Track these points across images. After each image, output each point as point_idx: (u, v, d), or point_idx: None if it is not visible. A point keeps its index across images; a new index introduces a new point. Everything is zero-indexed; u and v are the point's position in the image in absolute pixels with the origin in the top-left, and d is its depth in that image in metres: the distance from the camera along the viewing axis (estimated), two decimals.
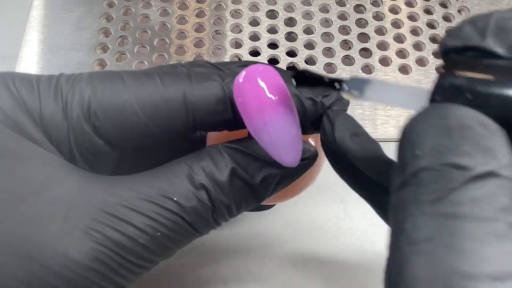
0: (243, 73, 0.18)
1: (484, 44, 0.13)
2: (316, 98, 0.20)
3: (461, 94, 0.13)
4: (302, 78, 0.18)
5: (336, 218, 0.30)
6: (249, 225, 0.29)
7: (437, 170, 0.12)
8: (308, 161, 0.21)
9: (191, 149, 0.21)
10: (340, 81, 0.16)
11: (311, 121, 0.20)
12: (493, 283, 0.10)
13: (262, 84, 0.18)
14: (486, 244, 0.11)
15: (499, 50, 0.13)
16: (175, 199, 0.19)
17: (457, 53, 0.14)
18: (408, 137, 0.13)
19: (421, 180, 0.12)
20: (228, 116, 0.20)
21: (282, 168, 0.20)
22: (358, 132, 0.19)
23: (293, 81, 0.18)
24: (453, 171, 0.12)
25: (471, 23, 0.14)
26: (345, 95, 0.17)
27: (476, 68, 0.13)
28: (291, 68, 0.36)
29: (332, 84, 0.17)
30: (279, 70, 0.20)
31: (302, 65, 0.35)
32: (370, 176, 0.18)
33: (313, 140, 0.22)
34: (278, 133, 0.18)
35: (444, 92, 0.13)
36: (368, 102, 0.16)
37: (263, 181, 0.20)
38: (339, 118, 0.19)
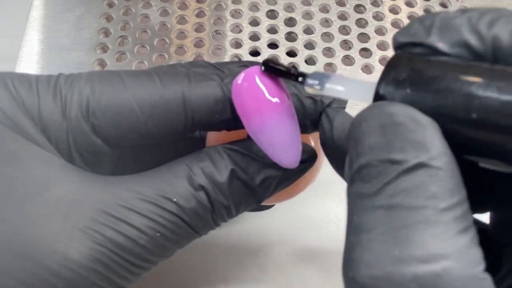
0: (242, 74, 0.18)
1: (429, 40, 0.14)
2: (316, 97, 0.20)
3: (402, 88, 0.14)
4: (270, 67, 0.18)
5: (336, 218, 0.30)
6: (249, 224, 0.29)
7: (375, 166, 0.13)
8: (307, 162, 0.21)
9: (191, 149, 0.21)
10: (303, 75, 0.17)
11: (311, 120, 0.20)
12: (420, 265, 0.12)
13: (260, 85, 0.18)
14: (416, 230, 0.12)
15: (442, 46, 0.14)
16: (174, 200, 0.19)
17: (408, 49, 0.15)
18: (352, 135, 0.14)
19: (363, 176, 0.13)
20: (227, 116, 0.20)
21: (282, 170, 0.20)
22: None
23: (262, 67, 0.18)
24: (388, 166, 0.13)
25: (420, 21, 0.15)
26: (306, 88, 0.17)
27: (418, 64, 0.14)
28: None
29: (296, 77, 0.17)
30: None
31: (302, 65, 0.35)
32: None
33: (313, 140, 0.22)
34: (277, 134, 0.18)
35: (388, 86, 0.14)
36: (327, 94, 0.17)
37: (262, 182, 0.20)
38: (338, 117, 0.19)
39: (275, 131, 0.18)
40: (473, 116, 0.12)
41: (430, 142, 0.13)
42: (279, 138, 0.19)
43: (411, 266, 0.12)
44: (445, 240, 0.12)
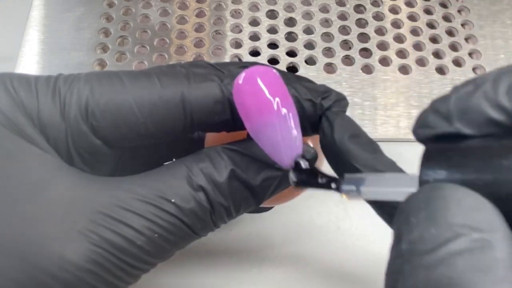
0: (243, 74, 0.18)
1: (453, 129, 0.13)
2: (315, 100, 0.20)
3: (447, 178, 0.13)
4: (303, 178, 0.18)
5: (336, 218, 0.30)
6: (249, 225, 0.29)
7: (432, 234, 0.12)
8: (308, 163, 0.21)
9: (189, 149, 0.21)
10: (337, 183, 0.17)
11: (310, 122, 0.20)
12: None
13: (262, 85, 0.18)
14: None
15: (469, 131, 0.13)
16: (173, 200, 0.19)
17: (431, 141, 0.14)
18: (404, 210, 0.13)
19: (416, 245, 0.12)
20: (227, 117, 0.20)
21: (282, 170, 0.20)
22: (357, 133, 0.19)
23: (294, 181, 0.18)
24: (449, 234, 0.12)
25: (433, 111, 0.14)
26: (343, 196, 0.17)
27: (452, 158, 0.13)
28: (291, 68, 0.36)
29: (329, 185, 0.17)
30: (280, 72, 0.20)
31: (302, 65, 0.35)
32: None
33: (312, 142, 0.22)
34: (279, 135, 0.18)
35: (432, 176, 0.13)
36: (367, 198, 0.17)
37: (262, 183, 0.20)
38: (338, 120, 0.19)
39: (277, 131, 0.18)
40: None
41: (495, 222, 0.12)
42: (281, 139, 0.18)
43: None
44: None
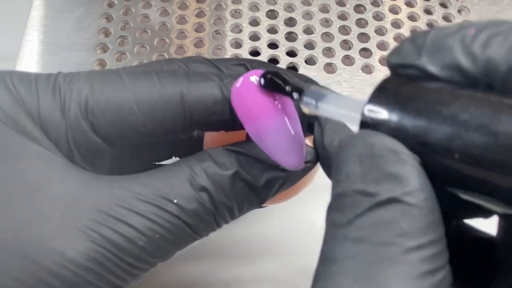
0: (241, 79, 0.18)
1: (419, 62, 0.13)
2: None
3: (386, 116, 0.13)
4: (269, 80, 0.18)
5: None
6: (249, 225, 0.29)
7: (349, 196, 0.13)
8: (310, 163, 0.21)
9: (189, 148, 0.21)
10: (300, 91, 0.17)
11: (307, 122, 0.20)
12: None
13: (259, 89, 0.18)
14: (380, 268, 0.12)
15: (433, 69, 0.13)
16: (175, 201, 0.19)
17: (400, 70, 0.14)
18: (334, 162, 0.14)
19: (338, 205, 0.13)
20: (226, 116, 0.20)
21: (286, 171, 0.20)
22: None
23: (262, 81, 0.18)
24: (361, 197, 0.12)
25: (412, 40, 0.14)
26: (302, 107, 0.17)
27: (404, 91, 0.13)
28: (291, 68, 0.36)
29: (291, 94, 0.17)
30: (277, 70, 0.20)
31: (302, 65, 0.35)
32: None
33: (310, 142, 0.22)
34: (280, 138, 0.18)
35: (372, 112, 0.13)
36: (322, 115, 0.16)
37: (266, 183, 0.20)
38: (329, 124, 0.19)
39: (278, 134, 0.18)
40: (456, 156, 0.12)
41: (407, 177, 0.12)
42: (282, 141, 0.18)
43: None
44: (407, 281, 0.11)
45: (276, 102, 0.18)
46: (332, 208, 0.13)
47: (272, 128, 0.18)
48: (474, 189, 0.12)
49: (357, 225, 0.12)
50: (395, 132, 0.13)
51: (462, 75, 0.12)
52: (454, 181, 0.12)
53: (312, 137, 0.22)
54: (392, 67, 0.14)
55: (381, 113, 0.13)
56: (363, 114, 0.14)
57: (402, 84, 0.13)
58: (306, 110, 0.17)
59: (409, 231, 0.12)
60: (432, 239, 0.12)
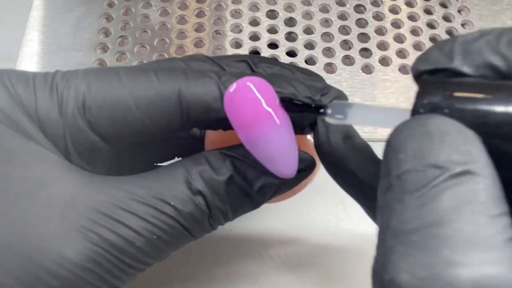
0: (234, 84, 0.18)
1: (453, 65, 0.15)
2: (314, 97, 0.20)
3: (439, 110, 0.14)
4: (290, 103, 0.19)
5: (336, 218, 0.30)
6: (249, 225, 0.29)
7: (419, 171, 0.13)
8: (306, 171, 0.21)
9: (191, 149, 0.21)
10: (324, 107, 0.18)
11: (309, 120, 0.20)
12: (472, 268, 0.11)
13: (252, 96, 0.18)
14: (466, 234, 0.12)
15: (467, 70, 0.15)
16: (172, 203, 0.19)
17: (428, 75, 0.15)
18: (392, 144, 0.14)
19: (405, 182, 0.13)
20: (223, 115, 0.20)
21: (280, 178, 0.20)
22: (350, 134, 0.19)
23: (280, 101, 0.19)
24: (434, 170, 0.13)
25: (438, 48, 0.15)
26: (329, 120, 0.18)
27: (449, 86, 0.14)
28: None
29: (317, 110, 0.18)
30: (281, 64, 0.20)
31: (302, 65, 0.35)
32: (363, 178, 0.19)
33: (307, 150, 0.22)
34: (273, 146, 0.18)
35: (424, 110, 0.14)
36: (352, 124, 0.17)
37: (260, 189, 0.20)
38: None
39: (270, 143, 0.18)
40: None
41: (476, 153, 0.13)
42: (275, 150, 0.18)
43: (462, 269, 0.11)
44: (496, 246, 0.12)
45: (268, 110, 0.18)
46: (395, 187, 0.13)
47: (264, 137, 0.18)
48: None
49: (433, 197, 0.12)
50: (451, 116, 0.14)
51: (495, 72, 0.14)
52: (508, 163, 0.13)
53: (307, 143, 0.22)
54: (420, 73, 0.15)
55: (432, 107, 0.14)
56: (415, 109, 0.14)
57: (443, 82, 0.15)
58: (332, 121, 0.17)
59: (488, 200, 0.12)
60: (506, 209, 0.12)
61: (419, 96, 0.14)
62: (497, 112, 0.13)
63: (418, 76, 0.15)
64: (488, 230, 0.12)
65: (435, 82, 0.15)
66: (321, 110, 0.18)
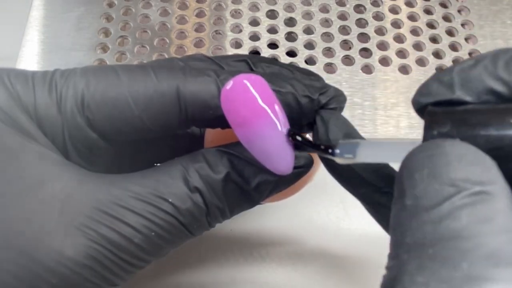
0: (231, 82, 0.18)
1: (455, 96, 0.15)
2: (313, 96, 0.20)
3: (450, 137, 0.14)
4: (299, 141, 0.19)
5: (336, 218, 0.30)
6: (249, 224, 0.29)
7: (435, 189, 0.13)
8: (303, 168, 0.21)
9: (190, 146, 0.21)
10: (332, 147, 0.18)
11: (307, 119, 0.20)
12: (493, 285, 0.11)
13: (249, 94, 0.18)
14: (486, 248, 0.12)
15: (469, 98, 0.15)
16: (170, 200, 0.19)
17: (430, 108, 0.15)
18: (407, 166, 0.14)
19: (420, 200, 0.13)
20: (221, 112, 0.20)
21: (277, 175, 0.20)
22: (350, 132, 0.19)
23: (289, 137, 0.19)
24: (451, 189, 0.13)
25: (437, 80, 0.15)
26: (339, 160, 0.17)
27: (457, 115, 0.14)
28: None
29: (326, 150, 0.18)
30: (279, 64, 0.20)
31: (302, 65, 0.35)
32: (364, 176, 0.19)
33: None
34: (268, 143, 0.18)
35: (435, 138, 0.14)
36: (363, 162, 0.17)
37: (257, 186, 0.20)
38: (333, 119, 0.19)
39: (266, 139, 0.18)
40: None
41: (494, 175, 0.13)
42: (271, 146, 0.18)
43: (485, 283, 0.11)
44: None
45: (264, 107, 0.18)
46: (410, 205, 0.13)
47: (260, 133, 0.18)
48: None
49: (449, 215, 0.12)
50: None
51: (497, 97, 0.14)
52: None
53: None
54: (423, 106, 0.15)
55: (443, 130, 0.14)
56: (424, 138, 0.14)
57: (449, 109, 0.15)
58: (342, 161, 0.17)
59: (507, 221, 0.12)
60: None
61: (428, 128, 0.14)
62: (510, 135, 0.13)
63: (420, 109, 0.16)
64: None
65: (442, 113, 0.15)
66: (330, 151, 0.18)
